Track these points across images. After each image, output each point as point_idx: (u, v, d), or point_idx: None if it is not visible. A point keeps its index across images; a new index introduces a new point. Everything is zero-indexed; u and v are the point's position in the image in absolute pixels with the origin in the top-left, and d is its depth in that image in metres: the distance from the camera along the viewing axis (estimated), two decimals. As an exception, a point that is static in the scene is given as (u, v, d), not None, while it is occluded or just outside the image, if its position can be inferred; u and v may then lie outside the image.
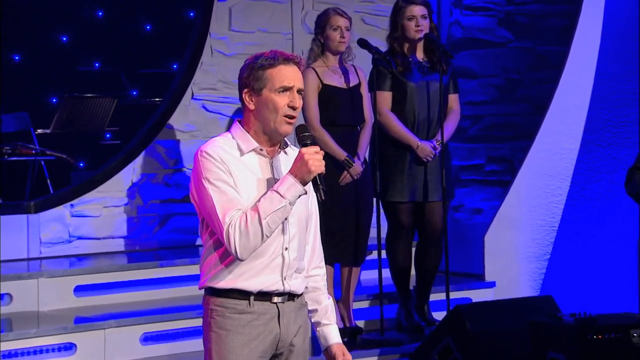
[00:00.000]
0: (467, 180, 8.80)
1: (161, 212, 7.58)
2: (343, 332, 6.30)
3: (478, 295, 7.13)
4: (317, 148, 3.69)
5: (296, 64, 3.80)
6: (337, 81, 6.44)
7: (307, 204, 3.87)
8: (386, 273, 6.63)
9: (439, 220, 6.61)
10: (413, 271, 6.76)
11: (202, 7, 7.77)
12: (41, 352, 5.76)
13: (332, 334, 3.97)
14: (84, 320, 6.03)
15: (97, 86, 9.34)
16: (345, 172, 6.35)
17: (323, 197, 3.70)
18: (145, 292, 6.68)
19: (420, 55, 6.63)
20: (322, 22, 6.48)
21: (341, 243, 6.40)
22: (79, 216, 7.28)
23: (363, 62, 6.74)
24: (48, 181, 9.01)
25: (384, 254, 6.56)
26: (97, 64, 9.98)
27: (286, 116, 3.74)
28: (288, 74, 3.76)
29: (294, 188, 3.65)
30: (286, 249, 3.78)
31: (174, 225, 7.62)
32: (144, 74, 9.54)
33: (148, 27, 10.06)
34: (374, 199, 6.51)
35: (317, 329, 3.99)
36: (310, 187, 3.83)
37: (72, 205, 7.26)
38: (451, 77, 6.72)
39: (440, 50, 6.51)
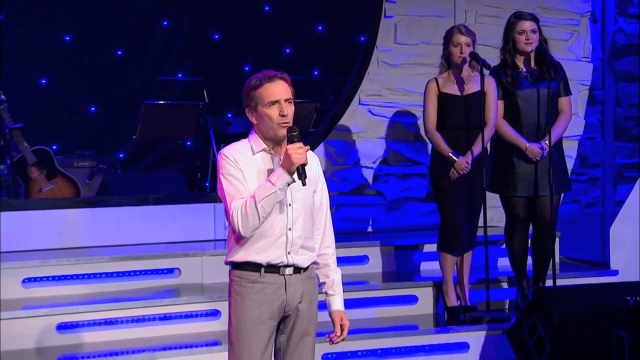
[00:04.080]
0: (629, 177, 9.08)
1: (332, 203, 8.38)
2: (458, 310, 7.00)
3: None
4: (300, 144, 4.40)
5: (280, 78, 4.52)
6: (453, 89, 7.03)
7: (311, 194, 4.59)
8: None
9: (549, 212, 7.07)
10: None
11: (370, 23, 8.56)
12: (189, 316, 6.79)
13: (334, 303, 4.69)
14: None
15: (305, 92, 10.26)
16: (452, 168, 6.95)
17: (305, 184, 4.42)
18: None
19: (532, 64, 7.13)
20: (446, 39, 7.09)
21: (460, 234, 7.01)
22: (258, 204, 8.22)
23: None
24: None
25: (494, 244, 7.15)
26: (316, 72, 10.94)
27: (280, 123, 4.49)
28: (273, 90, 4.50)
29: (282, 177, 4.40)
30: (290, 229, 4.53)
31: (343, 214, 8.45)
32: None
33: (362, 39, 10.89)
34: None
35: (326, 297, 4.74)
36: (321, 183, 4.63)
37: (251, 196, 8.21)
38: (561, 81, 7.14)
39: (547, 60, 6.99)
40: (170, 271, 7.23)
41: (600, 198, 9.16)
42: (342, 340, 4.67)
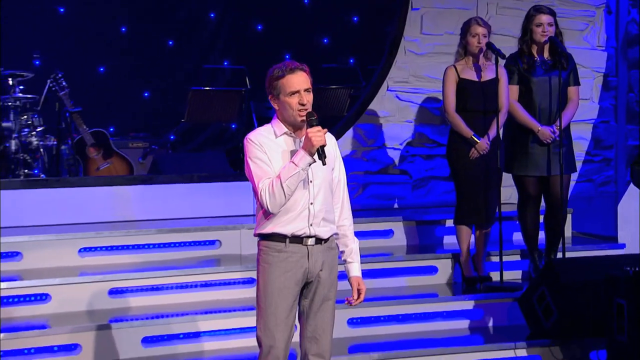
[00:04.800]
0: (640, 157, 9.14)
1: (360, 182, 8.59)
2: (474, 279, 7.15)
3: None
4: (319, 127, 4.57)
5: (301, 70, 4.68)
6: (471, 76, 7.17)
7: (329, 172, 4.76)
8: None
9: (559, 191, 7.19)
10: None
11: (398, 15, 8.68)
12: (227, 284, 6.97)
13: (352, 269, 4.88)
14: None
15: (340, 79, 10.41)
16: (472, 149, 7.09)
17: (325, 163, 4.59)
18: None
19: (546, 54, 7.23)
20: (465, 29, 7.24)
21: (475, 209, 7.15)
22: (293, 183, 8.38)
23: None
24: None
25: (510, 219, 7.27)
26: (351, 60, 11.06)
27: (299, 110, 4.66)
28: (294, 81, 4.65)
29: (304, 158, 4.59)
30: (311, 203, 4.71)
31: (372, 192, 8.60)
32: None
33: (391, 30, 10.94)
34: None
35: (345, 265, 4.92)
36: (339, 161, 4.80)
37: (287, 175, 8.36)
38: (571, 71, 7.24)
39: (559, 51, 7.10)
40: (211, 243, 7.42)
41: (613, 177, 9.22)
42: (360, 302, 4.86)
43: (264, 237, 4.78)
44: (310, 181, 4.71)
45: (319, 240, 4.76)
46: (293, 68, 4.67)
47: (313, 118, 4.63)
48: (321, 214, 4.74)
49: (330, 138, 4.79)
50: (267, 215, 4.73)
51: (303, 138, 4.66)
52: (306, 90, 4.67)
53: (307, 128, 4.63)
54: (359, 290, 4.86)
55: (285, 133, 4.74)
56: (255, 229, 4.82)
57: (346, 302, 4.87)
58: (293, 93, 4.66)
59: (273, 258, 4.74)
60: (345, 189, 4.92)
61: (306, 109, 4.66)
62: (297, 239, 4.73)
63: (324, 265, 4.78)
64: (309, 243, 4.74)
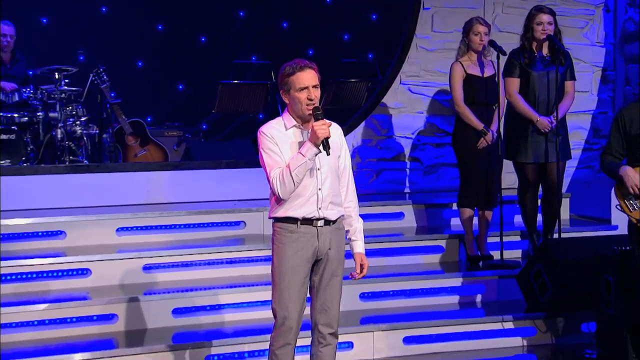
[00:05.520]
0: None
1: (375, 168, 8.73)
2: (477, 258, 7.29)
3: (603, 236, 7.69)
4: (324, 121, 4.72)
5: (310, 68, 4.81)
6: (476, 71, 7.30)
7: (336, 159, 4.91)
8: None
9: (555, 177, 7.30)
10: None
11: (410, 14, 8.79)
12: (251, 261, 7.15)
13: (356, 246, 5.04)
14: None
15: (359, 73, 10.51)
16: (482, 139, 7.22)
17: (329, 154, 4.75)
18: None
19: (545, 51, 7.34)
20: (467, 28, 7.35)
21: (478, 194, 7.29)
22: (314, 169, 8.51)
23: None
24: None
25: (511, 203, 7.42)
26: (370, 55, 11.16)
27: (307, 105, 4.80)
28: (303, 78, 4.79)
29: (310, 150, 4.74)
30: (319, 189, 4.87)
31: (385, 178, 8.74)
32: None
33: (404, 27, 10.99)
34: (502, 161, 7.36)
35: (350, 242, 5.08)
36: (344, 149, 4.95)
37: (308, 162, 8.50)
38: (568, 67, 7.34)
39: (557, 48, 7.21)
40: (237, 224, 7.56)
41: (610, 164, 9.28)
42: (362, 276, 5.03)
43: (277, 219, 4.94)
44: (318, 169, 4.86)
45: (327, 222, 4.92)
46: (303, 66, 4.81)
47: (319, 112, 4.77)
48: (329, 198, 4.90)
49: (336, 128, 4.93)
50: (280, 200, 4.89)
51: (310, 130, 4.81)
52: (314, 86, 4.81)
53: (313, 121, 4.77)
54: (361, 266, 5.02)
55: (294, 126, 4.89)
56: (270, 213, 4.99)
57: (350, 276, 5.02)
58: (302, 89, 4.80)
59: (286, 238, 4.90)
60: (351, 173, 5.06)
61: (314, 104, 4.80)
62: (308, 221, 4.89)
63: (332, 244, 4.94)
64: (318, 224, 4.90)
